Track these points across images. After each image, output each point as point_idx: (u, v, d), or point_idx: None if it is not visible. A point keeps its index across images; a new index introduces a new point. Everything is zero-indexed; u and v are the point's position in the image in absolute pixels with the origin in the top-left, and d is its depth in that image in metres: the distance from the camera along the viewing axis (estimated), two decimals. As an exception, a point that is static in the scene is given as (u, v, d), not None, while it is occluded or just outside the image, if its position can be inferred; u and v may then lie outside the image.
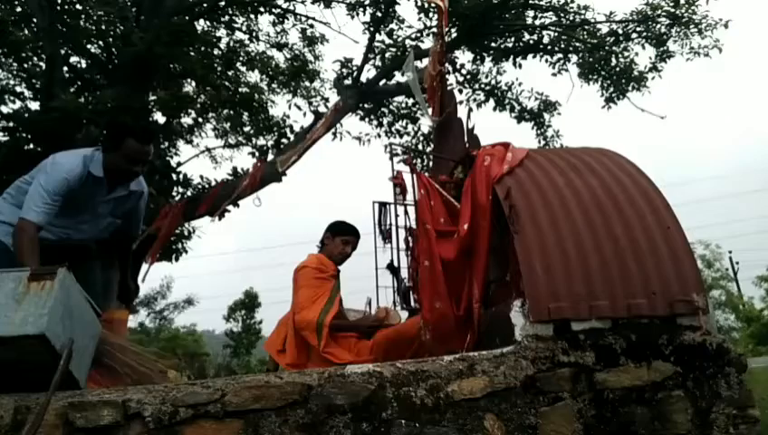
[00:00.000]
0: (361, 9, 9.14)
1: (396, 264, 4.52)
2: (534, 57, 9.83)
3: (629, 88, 9.86)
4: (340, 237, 3.94)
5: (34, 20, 7.50)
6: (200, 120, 9.89)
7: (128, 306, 3.44)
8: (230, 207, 7.19)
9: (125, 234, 3.38)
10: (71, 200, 2.87)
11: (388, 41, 9.50)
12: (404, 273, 4.48)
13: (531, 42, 9.79)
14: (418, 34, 9.50)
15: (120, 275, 3.43)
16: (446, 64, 5.19)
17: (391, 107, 10.57)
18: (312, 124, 8.76)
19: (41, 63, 7.55)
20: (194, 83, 9.27)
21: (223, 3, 9.08)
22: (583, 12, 9.51)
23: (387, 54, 9.62)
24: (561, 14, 9.63)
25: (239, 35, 10.08)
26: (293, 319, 3.63)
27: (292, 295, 3.73)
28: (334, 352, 3.48)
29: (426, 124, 10.05)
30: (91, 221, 3.10)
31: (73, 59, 7.99)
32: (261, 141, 9.79)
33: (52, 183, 2.77)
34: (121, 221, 3.24)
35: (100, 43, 7.79)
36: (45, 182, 2.78)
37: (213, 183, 8.04)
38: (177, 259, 9.18)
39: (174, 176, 7.90)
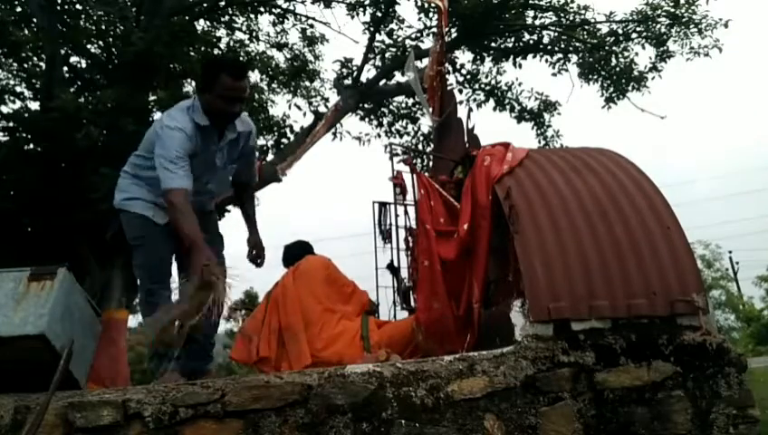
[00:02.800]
0: (361, 9, 9.13)
1: (396, 264, 4.52)
2: (534, 57, 9.82)
3: (629, 88, 9.85)
4: None
5: (34, 20, 7.50)
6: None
7: (260, 265, 3.14)
8: (230, 207, 7.18)
9: (242, 184, 3.23)
10: (191, 160, 2.70)
11: (388, 41, 9.49)
12: (404, 273, 4.48)
13: (531, 42, 9.77)
14: (418, 34, 9.49)
15: (249, 232, 3.21)
16: (446, 64, 5.19)
17: (391, 107, 10.55)
18: (312, 125, 8.75)
19: (41, 63, 7.54)
20: (194, 83, 9.26)
21: (223, 3, 9.07)
22: (583, 12, 9.50)
23: (387, 54, 9.61)
24: (561, 14, 9.61)
25: (239, 35, 10.07)
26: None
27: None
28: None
29: (426, 124, 10.05)
30: (214, 177, 2.95)
31: (73, 59, 7.98)
32: (261, 141, 9.78)
33: (174, 146, 2.62)
34: (237, 166, 3.08)
35: (100, 43, 7.77)
36: (167, 149, 2.62)
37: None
38: (176, 259, 9.17)
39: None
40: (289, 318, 3.58)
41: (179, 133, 2.63)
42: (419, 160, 7.92)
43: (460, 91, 10.21)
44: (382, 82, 9.46)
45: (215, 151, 2.85)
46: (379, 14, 9.05)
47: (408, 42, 9.48)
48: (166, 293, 2.85)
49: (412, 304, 4.33)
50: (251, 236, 3.19)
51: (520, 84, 10.29)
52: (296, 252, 4.10)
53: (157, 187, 2.67)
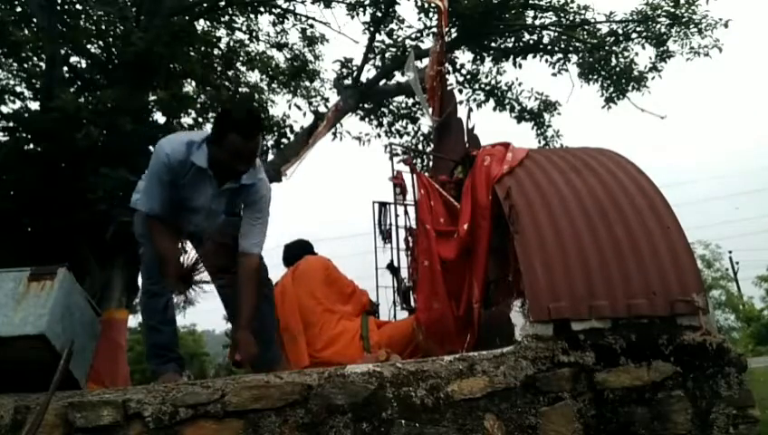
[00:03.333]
0: (361, 9, 9.13)
1: (396, 264, 4.52)
2: (534, 57, 9.82)
3: (629, 88, 9.85)
4: None
5: (34, 20, 7.50)
6: (200, 120, 9.89)
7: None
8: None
9: (239, 249, 2.75)
10: (177, 188, 2.67)
11: (388, 41, 9.49)
12: (404, 273, 4.48)
13: (531, 42, 9.78)
14: (418, 34, 9.49)
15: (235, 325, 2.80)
16: (446, 64, 5.20)
17: (391, 107, 10.57)
18: (312, 125, 8.75)
19: (41, 63, 7.55)
20: (194, 83, 9.26)
21: (223, 3, 9.07)
22: (583, 12, 9.50)
23: (387, 54, 9.62)
24: (561, 14, 9.62)
25: (239, 35, 10.07)
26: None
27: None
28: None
29: (426, 124, 10.06)
30: (206, 217, 2.79)
31: (73, 59, 7.98)
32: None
33: (153, 167, 2.65)
34: (233, 219, 2.85)
35: (100, 43, 7.78)
36: (149, 167, 2.69)
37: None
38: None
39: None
40: (287, 319, 3.57)
41: (162, 160, 2.61)
42: (419, 160, 7.93)
43: (460, 92, 10.23)
44: (382, 82, 9.46)
45: (211, 195, 2.73)
46: (379, 14, 9.05)
47: (408, 42, 9.49)
48: (166, 293, 2.86)
49: (412, 304, 4.33)
50: (236, 331, 2.71)
51: (520, 84, 10.31)
52: (296, 252, 4.09)
53: None
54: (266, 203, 2.82)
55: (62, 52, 7.26)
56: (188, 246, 3.01)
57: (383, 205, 4.60)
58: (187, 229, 2.89)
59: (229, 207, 2.83)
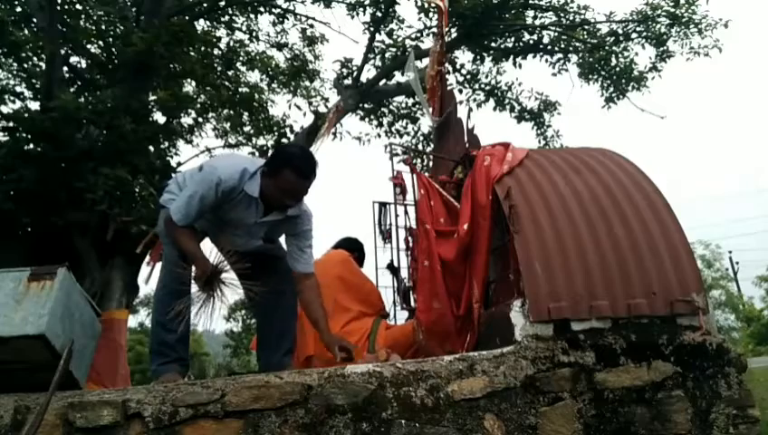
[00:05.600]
0: (361, 9, 9.13)
1: (396, 264, 4.51)
2: (534, 57, 9.83)
3: (629, 88, 9.86)
4: None
5: (34, 20, 7.51)
6: (200, 120, 9.89)
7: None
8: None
9: (296, 274, 2.94)
10: (218, 210, 2.76)
11: (388, 41, 9.49)
12: (404, 273, 4.47)
13: (531, 42, 9.79)
14: (418, 34, 9.49)
15: (324, 337, 2.95)
16: (446, 64, 5.19)
17: (391, 107, 10.58)
18: (313, 124, 8.76)
19: (41, 63, 7.55)
20: (194, 83, 9.26)
21: (223, 3, 9.08)
22: (583, 12, 9.50)
23: (387, 54, 9.62)
24: (561, 14, 9.63)
25: (239, 35, 10.08)
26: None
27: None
28: None
29: (426, 124, 10.06)
30: (246, 239, 2.90)
31: (73, 59, 8.00)
32: (261, 141, 9.78)
33: (200, 185, 2.67)
34: (272, 246, 2.99)
35: (100, 43, 7.79)
36: (196, 184, 2.70)
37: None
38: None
39: (174, 176, 7.86)
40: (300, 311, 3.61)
41: (213, 184, 2.64)
42: (419, 160, 7.92)
43: (460, 92, 10.24)
44: (382, 82, 9.47)
45: (254, 224, 2.83)
46: (379, 14, 9.05)
47: (408, 42, 9.48)
48: (182, 290, 2.84)
49: (412, 304, 4.33)
50: (330, 341, 2.89)
51: (520, 84, 10.33)
52: (339, 244, 4.22)
53: None
54: (312, 232, 3.00)
55: (62, 52, 7.26)
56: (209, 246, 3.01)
57: (383, 205, 4.59)
58: (223, 246, 2.90)
59: (269, 234, 2.95)
